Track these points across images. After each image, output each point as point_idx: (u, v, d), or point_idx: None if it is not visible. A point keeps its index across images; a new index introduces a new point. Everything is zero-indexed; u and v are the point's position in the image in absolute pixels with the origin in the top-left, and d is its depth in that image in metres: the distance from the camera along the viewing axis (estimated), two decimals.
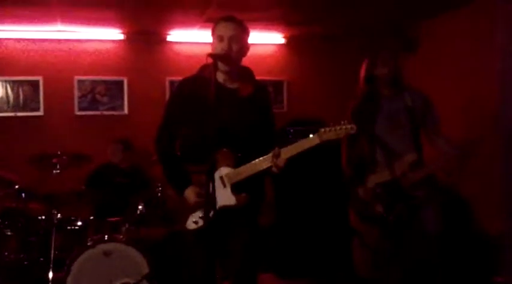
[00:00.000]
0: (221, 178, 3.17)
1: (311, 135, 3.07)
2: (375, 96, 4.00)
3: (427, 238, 3.93)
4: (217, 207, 3.11)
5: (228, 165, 3.17)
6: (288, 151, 3.07)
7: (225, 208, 3.15)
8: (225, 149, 3.15)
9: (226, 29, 3.19)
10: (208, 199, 2.95)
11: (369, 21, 6.32)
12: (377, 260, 4.47)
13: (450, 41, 5.94)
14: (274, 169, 3.10)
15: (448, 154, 3.83)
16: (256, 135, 3.24)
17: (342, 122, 3.02)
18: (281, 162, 3.07)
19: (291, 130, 5.73)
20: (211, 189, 2.92)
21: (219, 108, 3.07)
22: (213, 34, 3.26)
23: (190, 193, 3.19)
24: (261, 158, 3.11)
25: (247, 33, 3.29)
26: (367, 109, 3.95)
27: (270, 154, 3.09)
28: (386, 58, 3.98)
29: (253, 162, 3.12)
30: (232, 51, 3.17)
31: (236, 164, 3.16)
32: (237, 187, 3.16)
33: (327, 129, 3.03)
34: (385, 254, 4.11)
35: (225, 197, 3.15)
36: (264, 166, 3.11)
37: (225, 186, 3.16)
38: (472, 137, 3.84)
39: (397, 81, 3.98)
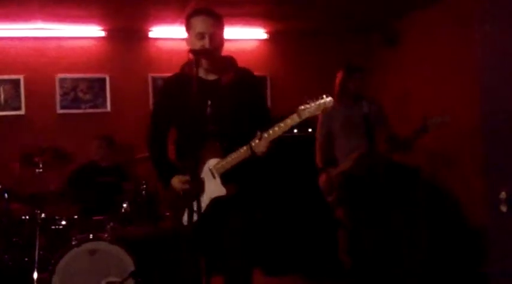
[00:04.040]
0: (210, 170, 3.18)
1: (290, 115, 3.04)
2: (343, 108, 4.87)
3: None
4: (208, 198, 3.16)
5: (216, 156, 3.18)
6: (270, 135, 3.03)
7: (218, 200, 3.16)
8: (212, 141, 3.16)
9: (203, 25, 3.17)
10: (194, 195, 2.96)
11: (351, 16, 6.32)
12: (355, 240, 4.69)
13: (431, 34, 5.97)
14: (257, 154, 3.07)
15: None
16: (246, 120, 3.24)
17: (320, 97, 3.00)
18: (263, 147, 3.02)
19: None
20: (197, 183, 2.94)
21: (202, 102, 3.10)
22: (188, 28, 3.24)
23: (176, 181, 3.22)
24: (246, 146, 3.09)
25: (223, 25, 3.28)
26: (335, 117, 4.87)
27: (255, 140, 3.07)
28: (359, 78, 4.89)
29: (238, 150, 3.11)
30: (213, 46, 3.16)
31: (224, 154, 3.16)
32: (227, 177, 3.16)
33: (306, 106, 2.99)
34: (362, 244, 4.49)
35: (215, 188, 3.17)
36: (248, 152, 3.07)
37: (214, 177, 3.17)
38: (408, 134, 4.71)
39: (359, 94, 4.88)
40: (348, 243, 4.93)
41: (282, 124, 3.03)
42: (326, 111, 3.03)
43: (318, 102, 2.98)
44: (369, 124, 4.76)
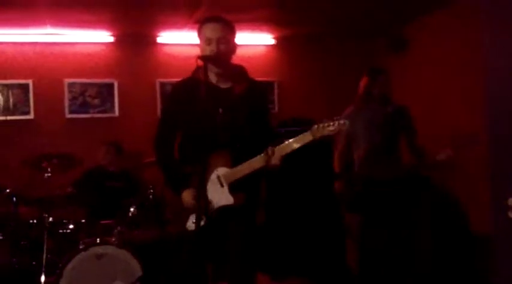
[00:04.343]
0: (218, 178, 3.18)
1: (305, 132, 3.07)
2: (366, 110, 4.72)
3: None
4: (215, 207, 3.16)
5: (225, 165, 3.19)
6: (282, 149, 3.08)
7: (223, 208, 3.17)
8: (221, 149, 3.17)
9: (213, 31, 3.19)
10: (200, 201, 2.96)
11: (358, 22, 6.33)
12: (364, 256, 4.61)
13: (436, 41, 5.96)
14: (270, 167, 3.10)
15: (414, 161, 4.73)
16: (253, 132, 3.25)
17: (335, 118, 3.02)
18: (276, 160, 3.07)
19: (283, 131, 5.73)
20: (203, 190, 2.96)
21: (213, 109, 3.13)
22: (199, 35, 3.26)
23: (186, 196, 3.20)
24: (257, 157, 3.11)
25: (234, 32, 3.29)
26: (357, 119, 4.65)
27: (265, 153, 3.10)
28: (383, 81, 4.75)
29: (249, 161, 3.13)
30: (221, 52, 3.17)
31: (233, 163, 3.17)
32: (234, 187, 3.17)
33: (320, 125, 3.03)
34: (373, 250, 4.40)
35: (222, 197, 3.18)
36: (261, 164, 3.11)
37: (222, 185, 3.18)
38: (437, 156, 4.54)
39: (386, 98, 4.75)
40: (357, 253, 4.88)
41: (294, 141, 3.06)
42: (340, 133, 3.07)
43: (332, 123, 3.01)
44: (391, 129, 4.69)
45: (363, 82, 4.82)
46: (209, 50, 3.16)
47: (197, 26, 3.31)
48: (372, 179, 4.62)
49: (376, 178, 4.59)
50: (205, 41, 3.19)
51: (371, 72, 4.82)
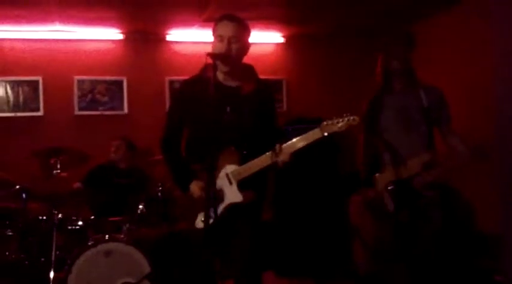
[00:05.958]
0: (227, 175, 3.19)
1: (314, 129, 3.06)
2: (390, 91, 3.93)
3: (433, 238, 3.92)
4: (224, 204, 3.17)
5: (233, 163, 3.20)
6: (290, 146, 3.08)
7: (232, 206, 3.18)
8: (230, 147, 3.18)
9: (226, 29, 3.19)
10: (210, 197, 2.97)
11: (367, 20, 6.32)
12: (377, 258, 4.50)
13: (443, 42, 5.94)
14: (279, 164, 3.10)
15: (462, 153, 3.78)
16: (260, 132, 3.26)
17: (345, 114, 3.00)
18: (285, 157, 3.07)
19: (290, 129, 5.73)
20: (213, 186, 2.98)
21: (221, 107, 3.13)
22: (213, 33, 3.26)
23: (194, 188, 3.23)
24: (266, 154, 3.12)
25: (247, 32, 3.29)
26: (382, 108, 3.91)
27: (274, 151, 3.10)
28: (398, 52, 3.90)
29: (258, 158, 3.13)
30: (232, 50, 3.17)
31: (241, 161, 3.18)
32: (242, 184, 3.18)
33: (330, 122, 3.02)
34: (386, 252, 4.20)
35: (231, 194, 3.19)
36: (269, 162, 3.11)
37: (231, 183, 3.18)
38: (487, 140, 3.81)
39: (410, 76, 3.92)
40: (364, 252, 4.77)
41: (303, 137, 3.05)
42: (350, 129, 3.00)
43: (342, 119, 2.99)
44: (430, 121, 3.81)
45: (379, 61, 4.02)
46: (220, 47, 3.16)
47: (208, 24, 3.32)
48: (413, 187, 3.76)
49: (417, 185, 3.75)
50: (218, 38, 3.19)
51: (384, 46, 4.04)
